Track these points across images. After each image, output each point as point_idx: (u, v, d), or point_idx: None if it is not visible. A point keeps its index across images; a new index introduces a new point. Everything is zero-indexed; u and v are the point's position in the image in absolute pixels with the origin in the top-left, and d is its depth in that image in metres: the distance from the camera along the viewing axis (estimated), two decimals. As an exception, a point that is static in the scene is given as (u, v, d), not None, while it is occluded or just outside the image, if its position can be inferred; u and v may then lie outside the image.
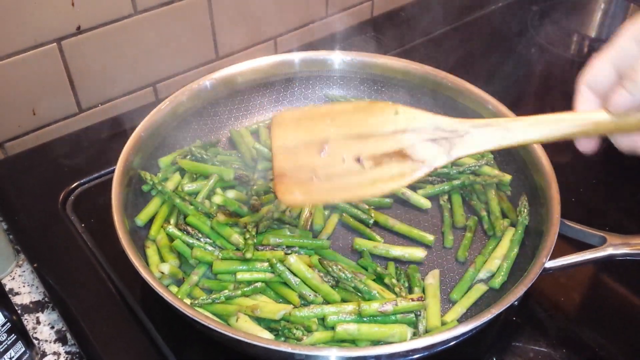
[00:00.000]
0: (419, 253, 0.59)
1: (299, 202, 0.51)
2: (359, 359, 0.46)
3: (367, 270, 0.58)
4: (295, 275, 0.55)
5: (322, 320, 0.52)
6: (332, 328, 0.51)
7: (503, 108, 0.67)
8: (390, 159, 0.46)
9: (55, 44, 0.74)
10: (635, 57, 0.42)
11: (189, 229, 0.59)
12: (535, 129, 0.45)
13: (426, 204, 0.65)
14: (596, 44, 1.03)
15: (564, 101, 0.82)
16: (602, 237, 0.54)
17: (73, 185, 0.68)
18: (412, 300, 0.52)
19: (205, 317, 0.47)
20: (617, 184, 0.72)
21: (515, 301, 0.50)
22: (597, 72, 0.43)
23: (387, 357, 0.47)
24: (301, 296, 0.54)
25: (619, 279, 0.60)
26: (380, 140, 0.46)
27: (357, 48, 0.92)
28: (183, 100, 0.70)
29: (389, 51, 0.91)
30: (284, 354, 0.47)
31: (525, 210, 0.61)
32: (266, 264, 0.55)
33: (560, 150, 0.71)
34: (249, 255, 0.55)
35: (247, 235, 0.56)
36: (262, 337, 0.49)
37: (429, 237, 0.61)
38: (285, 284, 0.55)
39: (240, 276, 0.55)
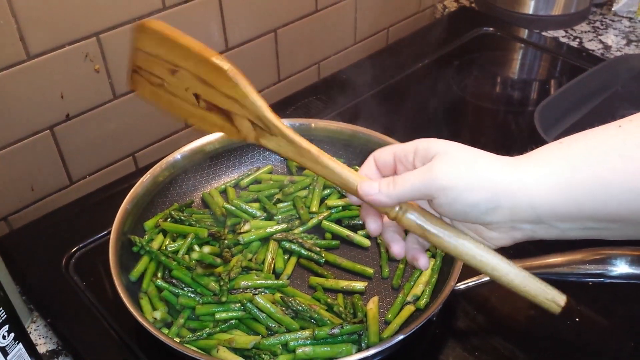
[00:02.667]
0: (359, 285, 0.74)
1: (149, 100, 0.56)
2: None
3: (320, 301, 0.72)
4: (262, 311, 0.69)
5: (285, 345, 0.66)
6: (293, 351, 0.65)
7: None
8: (218, 112, 0.53)
9: (48, 130, 0.88)
10: (406, 165, 0.50)
11: (174, 281, 0.72)
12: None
13: (366, 243, 0.80)
14: (517, 90, 1.20)
15: (486, 144, 0.99)
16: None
17: (73, 250, 0.81)
18: (355, 323, 0.67)
19: (192, 351, 0.61)
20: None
21: (432, 317, 0.65)
22: (384, 154, 0.52)
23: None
24: (268, 328, 0.68)
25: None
26: (216, 94, 0.52)
27: (307, 109, 1.09)
28: (159, 171, 0.84)
29: (334, 111, 1.07)
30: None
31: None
32: (239, 304, 0.69)
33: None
34: (224, 299, 0.69)
35: (222, 283, 0.71)
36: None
37: (369, 270, 0.76)
38: (255, 319, 0.69)
39: (218, 316, 0.68)
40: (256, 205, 0.84)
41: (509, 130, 1.07)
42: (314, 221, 0.81)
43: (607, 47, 1.27)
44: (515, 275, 0.51)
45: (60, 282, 0.77)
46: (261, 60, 1.11)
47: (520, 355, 0.69)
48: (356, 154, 0.92)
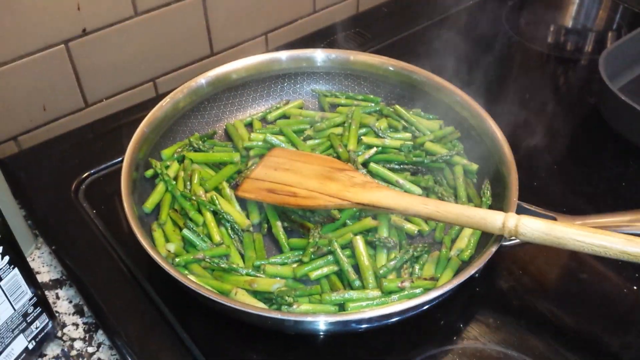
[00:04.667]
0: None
1: (251, 198, 0.68)
2: (342, 323, 0.54)
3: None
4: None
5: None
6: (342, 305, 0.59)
7: (470, 100, 0.75)
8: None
9: (63, 45, 0.80)
10: None
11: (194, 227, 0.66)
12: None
13: (418, 190, 0.71)
14: (572, 36, 1.10)
15: (538, 93, 0.90)
16: (552, 217, 0.61)
17: (84, 176, 0.75)
18: (426, 279, 0.60)
19: (208, 291, 0.55)
20: (576, 170, 0.80)
21: (476, 273, 0.58)
22: None
23: (367, 321, 0.55)
24: (349, 283, 0.61)
25: (570, 253, 0.67)
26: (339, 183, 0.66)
27: (343, 44, 1.00)
28: (181, 97, 0.77)
29: (373, 46, 0.97)
30: (275, 321, 0.54)
31: (488, 193, 0.69)
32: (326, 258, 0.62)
33: (524, 140, 0.79)
34: (306, 259, 0.62)
35: (311, 238, 0.63)
36: (255, 306, 0.56)
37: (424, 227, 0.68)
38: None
39: (314, 274, 0.61)
40: (282, 138, 0.77)
41: (567, 78, 0.96)
42: (359, 160, 0.73)
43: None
44: None
45: (68, 208, 0.71)
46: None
47: (568, 322, 0.62)
48: (395, 92, 0.83)
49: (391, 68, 0.82)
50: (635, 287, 0.64)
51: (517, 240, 0.60)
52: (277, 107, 0.83)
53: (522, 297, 0.64)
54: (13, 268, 0.52)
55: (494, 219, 0.57)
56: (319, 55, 0.83)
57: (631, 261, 0.53)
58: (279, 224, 0.67)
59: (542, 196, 0.72)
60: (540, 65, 0.99)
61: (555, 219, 0.60)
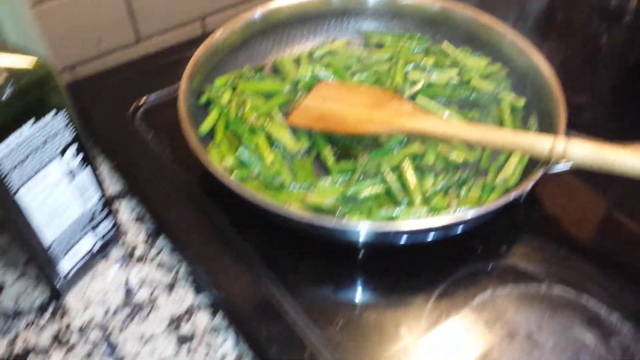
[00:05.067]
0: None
1: (301, 125, 0.70)
2: (388, 233, 0.57)
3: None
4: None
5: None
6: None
7: (518, 37, 0.76)
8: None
9: (119, -24, 0.83)
10: None
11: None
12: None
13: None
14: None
15: (581, 39, 0.90)
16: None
17: (139, 102, 0.78)
18: (471, 201, 0.63)
19: (266, 201, 0.57)
20: (623, 111, 0.80)
21: (521, 196, 0.59)
22: None
23: (408, 232, 0.57)
24: (396, 201, 0.63)
25: (614, 187, 0.68)
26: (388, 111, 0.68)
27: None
28: (233, 30, 0.79)
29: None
30: (326, 229, 0.57)
31: (535, 125, 0.70)
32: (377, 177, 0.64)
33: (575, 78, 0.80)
34: (355, 178, 0.64)
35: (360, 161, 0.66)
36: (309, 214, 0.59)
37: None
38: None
39: (364, 194, 0.63)
40: (331, 72, 0.78)
41: (614, 23, 0.96)
42: (407, 94, 0.75)
43: None
44: None
45: (126, 130, 0.74)
46: None
47: (611, 250, 0.64)
48: (442, 32, 0.84)
49: (439, 8, 0.82)
50: (678, 219, 0.65)
51: (563, 168, 0.61)
52: (323, 45, 0.85)
53: (566, 227, 0.65)
54: (86, 167, 0.55)
55: (543, 142, 0.59)
56: None
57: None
58: (328, 149, 0.69)
59: (588, 133, 0.72)
60: (586, 10, 0.99)
61: (603, 145, 0.61)
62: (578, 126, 0.71)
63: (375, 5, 0.85)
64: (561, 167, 0.61)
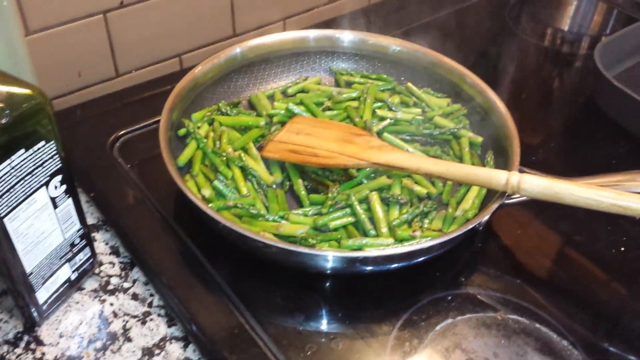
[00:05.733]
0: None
1: (275, 158, 0.74)
2: (357, 260, 0.60)
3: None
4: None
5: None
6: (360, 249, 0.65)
7: (477, 79, 0.82)
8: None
9: (102, 15, 0.86)
10: None
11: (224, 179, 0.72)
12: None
13: None
14: (568, 36, 1.17)
15: (535, 84, 0.97)
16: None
17: (118, 134, 0.81)
18: (434, 230, 0.67)
19: (239, 226, 0.61)
20: (572, 149, 0.87)
21: (478, 225, 0.64)
22: None
23: (381, 259, 0.61)
24: (365, 232, 0.67)
25: (565, 216, 0.74)
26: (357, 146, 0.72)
27: (359, 29, 1.06)
28: (211, 67, 0.83)
29: (385, 33, 1.04)
30: (298, 256, 0.60)
31: (492, 162, 0.75)
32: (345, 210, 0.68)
33: (524, 123, 0.86)
34: (325, 210, 0.68)
35: (330, 193, 0.69)
36: (282, 241, 0.62)
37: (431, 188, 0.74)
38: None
39: (332, 224, 0.67)
40: (303, 108, 0.83)
41: (563, 69, 1.04)
42: (374, 130, 0.80)
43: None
44: None
45: (104, 162, 0.77)
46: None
47: (562, 277, 0.69)
48: (407, 73, 0.89)
49: (404, 50, 0.88)
50: (622, 249, 0.71)
51: (518, 199, 0.66)
52: (296, 83, 0.90)
53: (521, 255, 0.70)
54: (68, 197, 0.58)
55: (499, 176, 0.64)
56: (345, 36, 0.90)
57: (620, 213, 0.59)
58: (300, 181, 0.73)
59: (541, 169, 0.78)
60: (540, 58, 1.07)
61: (553, 180, 0.67)
62: (531, 163, 0.77)
63: (348, 46, 0.90)
64: (515, 199, 0.66)
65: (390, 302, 0.65)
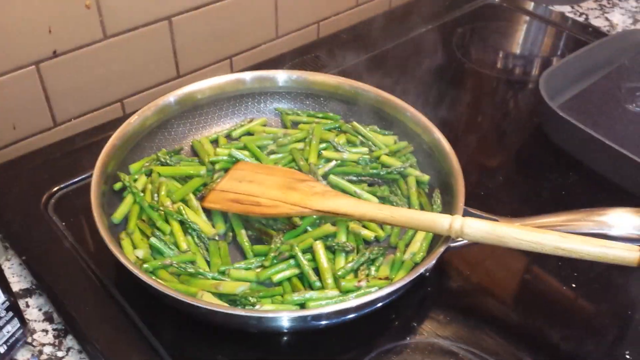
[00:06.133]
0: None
1: (217, 208, 0.72)
2: (301, 319, 0.58)
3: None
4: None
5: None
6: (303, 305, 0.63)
7: (422, 116, 0.81)
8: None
9: (34, 66, 0.83)
10: None
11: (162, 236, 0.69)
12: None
13: (374, 199, 0.76)
14: (519, 62, 1.18)
15: (486, 113, 0.97)
16: (495, 219, 0.67)
17: (53, 190, 0.77)
18: (381, 279, 0.65)
19: (173, 291, 0.58)
20: (521, 181, 0.86)
21: (425, 272, 0.63)
22: None
23: (325, 316, 0.59)
24: (310, 284, 0.65)
25: (514, 256, 0.73)
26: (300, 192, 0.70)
27: (304, 66, 1.05)
28: (149, 114, 0.80)
29: (332, 70, 1.03)
30: (238, 318, 0.58)
31: (439, 201, 0.74)
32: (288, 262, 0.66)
33: (473, 156, 0.86)
34: (267, 263, 0.66)
35: (274, 245, 0.67)
36: (219, 304, 0.59)
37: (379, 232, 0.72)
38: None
39: (276, 277, 0.65)
40: (247, 153, 0.81)
41: (514, 99, 1.04)
42: (319, 173, 0.78)
43: (612, 25, 1.24)
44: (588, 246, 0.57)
45: (38, 221, 0.73)
46: (258, 15, 1.07)
47: (513, 318, 0.68)
48: (353, 111, 0.88)
49: (349, 88, 0.87)
50: (573, 285, 0.70)
51: (464, 241, 0.65)
52: (241, 125, 0.87)
53: (471, 296, 0.69)
54: (-13, 271, 0.54)
55: (442, 221, 0.62)
56: (281, 76, 0.88)
57: (565, 256, 0.58)
58: (243, 232, 0.71)
59: (488, 204, 0.77)
60: (489, 87, 1.07)
61: (497, 221, 0.66)
62: (480, 199, 0.76)
63: (288, 85, 0.89)
64: (462, 242, 0.65)
65: (340, 355, 0.62)
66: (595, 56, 1.00)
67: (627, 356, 0.63)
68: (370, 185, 0.79)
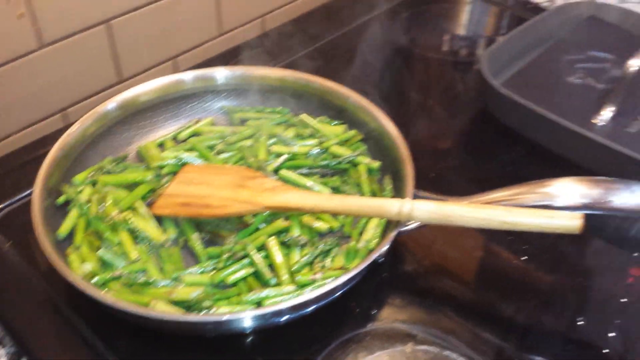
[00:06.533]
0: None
1: (166, 214, 0.71)
2: (259, 317, 0.57)
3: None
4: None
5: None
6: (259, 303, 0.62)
7: (368, 104, 0.81)
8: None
9: (-36, 82, 0.80)
10: None
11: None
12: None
13: (327, 190, 0.76)
14: (464, 42, 1.19)
15: (434, 96, 0.98)
16: (444, 199, 0.67)
17: (-4, 209, 0.75)
18: (336, 269, 0.65)
19: (123, 303, 0.57)
20: (469, 160, 0.88)
21: (379, 259, 0.63)
22: None
23: (282, 312, 0.59)
24: (265, 282, 0.64)
25: (465, 235, 0.74)
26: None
27: (251, 61, 1.04)
28: (90, 122, 0.78)
29: (280, 62, 1.02)
30: (193, 325, 0.57)
31: (389, 187, 0.74)
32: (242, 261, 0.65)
33: (422, 139, 0.87)
34: (222, 264, 0.65)
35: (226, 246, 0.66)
36: (171, 312, 0.58)
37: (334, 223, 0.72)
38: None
39: (232, 278, 0.64)
40: (195, 154, 0.80)
41: (459, 79, 1.05)
42: (269, 169, 0.77)
43: (552, 1, 1.27)
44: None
45: (-19, 242, 0.71)
46: (200, 12, 1.05)
47: (468, 296, 0.69)
48: (302, 103, 0.87)
49: (294, 80, 0.87)
50: (523, 258, 0.71)
51: (416, 224, 0.65)
52: (188, 127, 0.86)
53: (426, 278, 0.70)
54: None
55: (391, 206, 0.63)
56: (221, 73, 0.87)
57: (512, 229, 0.59)
58: (195, 235, 0.70)
59: (440, 186, 0.78)
60: (436, 71, 1.07)
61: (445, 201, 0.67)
62: (430, 182, 0.77)
63: (231, 82, 0.88)
64: (414, 225, 0.65)
65: (301, 349, 0.62)
66: (535, 32, 1.02)
67: (581, 322, 0.65)
68: (322, 176, 0.79)
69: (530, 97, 0.85)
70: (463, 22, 1.25)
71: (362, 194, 0.76)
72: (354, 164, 0.80)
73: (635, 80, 0.83)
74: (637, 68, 0.83)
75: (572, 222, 0.56)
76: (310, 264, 0.66)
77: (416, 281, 0.69)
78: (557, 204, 0.64)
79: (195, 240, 0.69)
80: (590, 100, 0.88)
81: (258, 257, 0.65)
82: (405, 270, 0.70)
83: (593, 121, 0.84)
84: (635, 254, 0.72)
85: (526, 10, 1.19)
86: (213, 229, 0.70)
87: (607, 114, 0.85)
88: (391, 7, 1.20)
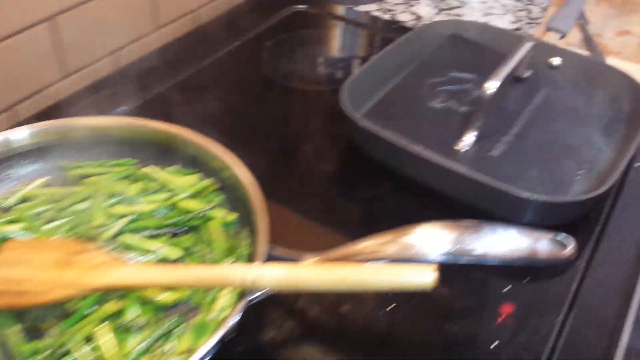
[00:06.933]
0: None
1: None
2: None
3: None
4: None
5: None
6: None
7: (218, 149, 0.73)
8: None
9: None
10: None
11: None
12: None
13: (176, 253, 0.67)
14: (333, 70, 1.12)
15: (301, 130, 0.92)
16: (301, 255, 0.61)
17: None
18: (179, 354, 0.57)
19: None
20: (336, 198, 0.83)
21: (225, 336, 0.55)
22: None
23: None
24: None
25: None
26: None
27: (98, 106, 0.94)
28: None
29: (131, 105, 0.93)
30: None
31: (245, 242, 0.67)
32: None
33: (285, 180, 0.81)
34: None
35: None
36: None
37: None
38: None
39: None
40: (22, 225, 0.69)
41: (327, 111, 1.00)
42: (106, 236, 0.68)
43: (419, 18, 1.26)
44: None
45: None
46: (39, 53, 0.93)
47: (332, 355, 0.62)
48: (150, 152, 0.78)
49: (127, 126, 0.78)
50: (390, 307, 0.66)
51: (264, 293, 0.59)
52: (17, 191, 0.75)
53: (287, 346, 0.63)
54: None
55: (234, 275, 0.55)
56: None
57: (365, 290, 0.54)
58: (13, 329, 0.59)
59: (304, 238, 0.72)
60: (300, 104, 1.01)
61: (299, 258, 0.61)
62: (290, 232, 0.71)
63: (72, 135, 0.77)
64: (261, 294, 0.58)
65: None
66: (398, 55, 0.99)
67: None
68: (174, 235, 0.70)
69: (394, 126, 0.82)
70: (332, 48, 1.20)
71: (213, 254, 0.68)
72: (208, 219, 0.72)
73: (493, 101, 0.82)
74: (494, 90, 0.81)
75: (423, 278, 0.52)
76: (150, 349, 0.58)
77: (278, 350, 0.63)
78: (417, 256, 0.59)
79: (12, 335, 0.58)
80: (453, 125, 0.85)
81: (83, 353, 0.56)
82: (265, 340, 0.63)
83: (456, 147, 0.82)
84: (506, 288, 0.69)
85: (393, 31, 1.17)
86: (36, 320, 0.60)
87: (469, 138, 0.83)
88: (256, 34, 1.15)
